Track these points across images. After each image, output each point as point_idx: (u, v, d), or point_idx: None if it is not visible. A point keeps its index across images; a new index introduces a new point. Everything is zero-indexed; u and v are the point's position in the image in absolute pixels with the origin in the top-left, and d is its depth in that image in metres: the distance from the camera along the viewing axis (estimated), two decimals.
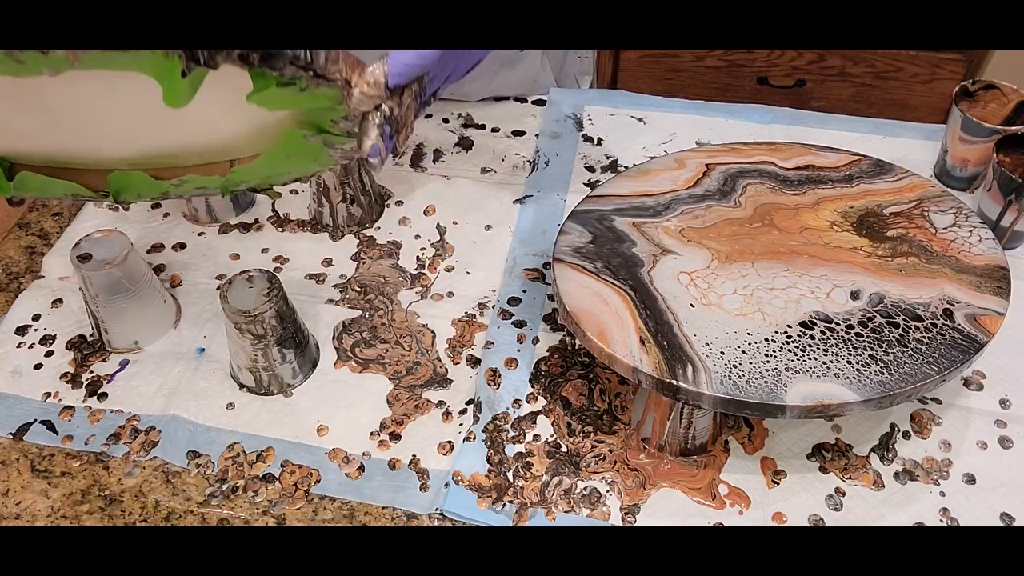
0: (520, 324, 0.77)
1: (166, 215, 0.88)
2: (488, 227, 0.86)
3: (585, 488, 0.66)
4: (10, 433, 0.71)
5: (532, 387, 0.73)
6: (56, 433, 0.70)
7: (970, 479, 0.67)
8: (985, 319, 0.62)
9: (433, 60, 0.52)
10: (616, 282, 0.66)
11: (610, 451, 0.68)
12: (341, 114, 0.51)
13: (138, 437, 0.70)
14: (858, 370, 0.59)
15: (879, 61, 1.34)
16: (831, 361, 0.60)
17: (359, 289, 0.81)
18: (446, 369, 0.74)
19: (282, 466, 0.68)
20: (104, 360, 0.76)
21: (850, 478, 0.67)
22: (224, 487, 0.67)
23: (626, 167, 0.92)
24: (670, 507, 0.65)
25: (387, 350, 0.76)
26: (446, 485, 0.66)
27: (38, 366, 0.75)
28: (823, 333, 0.62)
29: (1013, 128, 0.81)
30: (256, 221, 0.88)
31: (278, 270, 0.83)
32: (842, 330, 0.62)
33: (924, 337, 0.61)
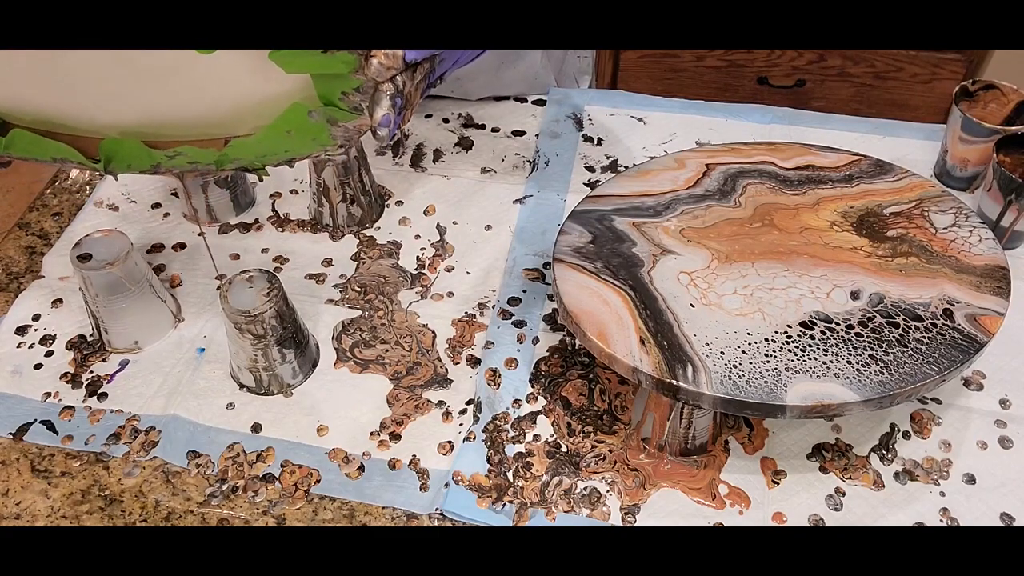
0: (520, 324, 0.77)
1: (166, 215, 0.88)
2: (488, 227, 0.86)
3: (585, 488, 0.66)
4: (10, 433, 0.71)
5: (532, 387, 0.73)
6: (56, 433, 0.70)
7: (970, 479, 0.67)
8: (985, 319, 0.62)
9: None
10: (616, 282, 0.66)
11: (610, 451, 0.68)
12: (354, 84, 0.51)
13: (138, 437, 0.70)
14: (858, 370, 0.59)
15: (879, 61, 1.34)
16: (831, 361, 0.60)
17: (359, 289, 0.81)
18: (446, 369, 0.74)
19: (282, 466, 0.68)
20: (104, 360, 0.76)
21: (850, 478, 0.67)
22: (224, 487, 0.67)
23: (626, 167, 0.92)
24: (670, 507, 0.65)
25: (387, 350, 0.76)
26: (446, 485, 0.66)
27: (38, 366, 0.75)
28: (823, 333, 0.62)
29: (1013, 128, 0.81)
30: (256, 221, 0.88)
31: (278, 270, 0.83)
32: (842, 330, 0.62)
33: (924, 337, 0.61)
